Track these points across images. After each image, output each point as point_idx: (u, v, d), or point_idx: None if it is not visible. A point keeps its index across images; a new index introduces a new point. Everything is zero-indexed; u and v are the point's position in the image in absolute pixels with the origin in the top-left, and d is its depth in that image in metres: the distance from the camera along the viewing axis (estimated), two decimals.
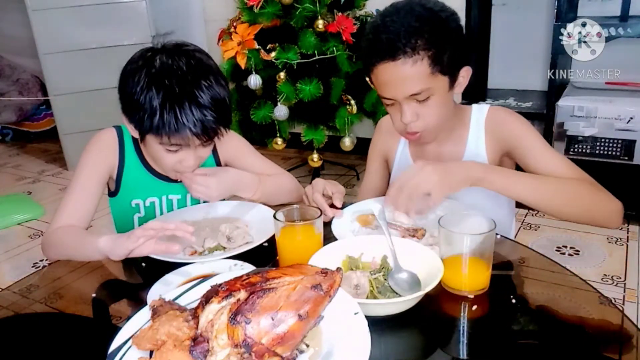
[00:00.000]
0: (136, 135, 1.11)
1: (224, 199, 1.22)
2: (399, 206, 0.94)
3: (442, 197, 0.94)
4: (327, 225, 1.02)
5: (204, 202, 1.24)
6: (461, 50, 1.03)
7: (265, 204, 1.18)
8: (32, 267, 2.39)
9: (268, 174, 1.28)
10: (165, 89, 1.01)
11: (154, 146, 1.09)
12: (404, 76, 0.99)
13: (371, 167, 1.35)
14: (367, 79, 1.11)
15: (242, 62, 2.56)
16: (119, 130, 1.23)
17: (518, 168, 1.14)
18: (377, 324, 0.68)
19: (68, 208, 1.14)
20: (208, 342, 0.61)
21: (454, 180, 0.95)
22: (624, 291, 1.94)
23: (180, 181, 1.20)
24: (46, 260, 1.11)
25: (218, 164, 1.30)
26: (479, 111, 1.18)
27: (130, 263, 1.04)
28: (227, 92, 1.09)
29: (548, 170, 1.05)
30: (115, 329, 0.69)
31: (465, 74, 1.07)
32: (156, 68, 1.03)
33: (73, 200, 1.15)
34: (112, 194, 1.26)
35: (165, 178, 1.24)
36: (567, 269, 0.92)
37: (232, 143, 1.31)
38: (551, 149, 1.10)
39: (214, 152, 1.29)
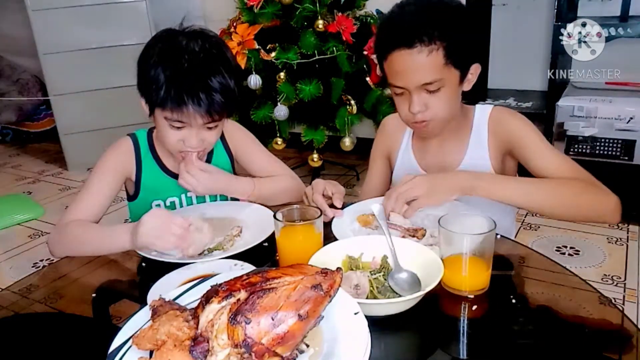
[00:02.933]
0: (147, 111, 1.13)
1: (215, 199, 1.26)
2: (386, 206, 1.01)
3: (426, 204, 1.00)
4: (327, 225, 1.03)
5: (213, 199, 1.29)
6: (474, 46, 1.06)
7: (263, 204, 1.18)
8: (32, 267, 2.39)
9: (268, 174, 1.30)
10: (174, 64, 1.05)
11: (160, 122, 1.11)
12: (419, 65, 1.00)
13: (373, 167, 1.36)
14: (379, 67, 1.13)
15: (242, 62, 2.56)
16: (134, 137, 1.26)
17: (520, 166, 1.16)
18: (377, 324, 0.68)
19: (79, 205, 1.15)
20: (208, 342, 0.61)
21: (441, 191, 1.00)
22: (624, 291, 1.94)
23: None
24: (47, 259, 1.11)
25: (229, 153, 1.32)
26: (482, 111, 1.19)
27: (130, 263, 1.04)
28: (235, 81, 1.11)
29: (547, 168, 1.07)
30: (115, 329, 0.69)
31: (474, 71, 1.09)
32: (170, 45, 1.07)
33: (85, 198, 1.16)
34: (131, 198, 1.27)
35: None
36: (567, 269, 0.92)
37: (240, 135, 1.35)
38: (551, 147, 1.12)
39: (224, 141, 1.31)
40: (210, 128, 1.12)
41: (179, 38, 1.08)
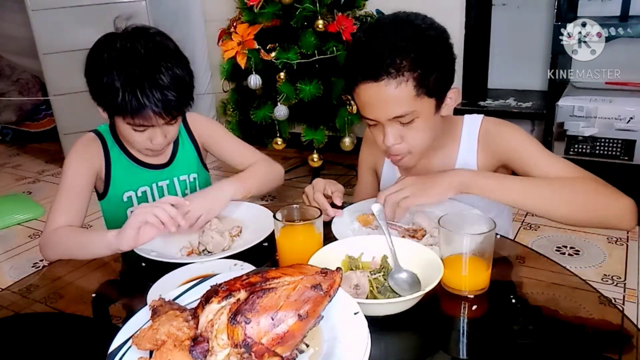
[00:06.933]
0: (106, 117, 1.14)
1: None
2: (387, 217, 0.96)
3: (416, 202, 0.95)
4: (327, 225, 1.03)
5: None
6: (449, 72, 0.98)
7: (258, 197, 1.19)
8: (32, 267, 2.39)
9: (241, 161, 1.32)
10: (125, 72, 1.05)
11: (123, 127, 1.12)
12: (387, 98, 0.94)
13: (362, 176, 1.34)
14: (350, 97, 1.10)
15: (242, 62, 2.56)
16: (97, 132, 1.26)
17: None
18: (377, 324, 0.68)
19: (60, 210, 1.16)
20: (208, 342, 0.61)
21: (435, 190, 0.95)
22: (624, 291, 1.94)
23: (166, 166, 1.27)
24: (45, 260, 1.11)
25: (194, 144, 1.33)
26: (471, 123, 1.13)
27: (130, 263, 1.04)
28: (187, 71, 1.12)
29: (549, 175, 1.00)
30: (115, 329, 0.69)
31: (453, 96, 1.02)
32: (116, 51, 1.07)
33: (64, 202, 1.17)
34: (101, 195, 1.27)
35: (152, 166, 1.27)
36: (567, 269, 0.92)
37: (205, 125, 1.36)
38: (549, 152, 1.05)
39: (189, 133, 1.33)
40: (171, 124, 1.14)
41: (122, 42, 1.08)
